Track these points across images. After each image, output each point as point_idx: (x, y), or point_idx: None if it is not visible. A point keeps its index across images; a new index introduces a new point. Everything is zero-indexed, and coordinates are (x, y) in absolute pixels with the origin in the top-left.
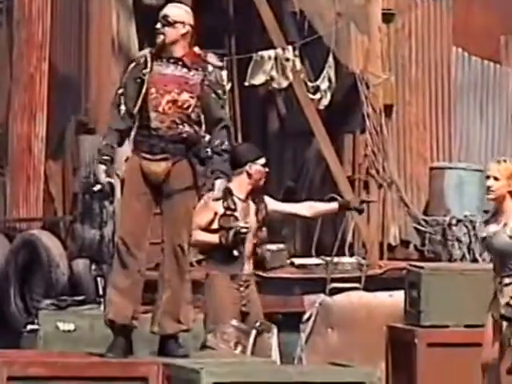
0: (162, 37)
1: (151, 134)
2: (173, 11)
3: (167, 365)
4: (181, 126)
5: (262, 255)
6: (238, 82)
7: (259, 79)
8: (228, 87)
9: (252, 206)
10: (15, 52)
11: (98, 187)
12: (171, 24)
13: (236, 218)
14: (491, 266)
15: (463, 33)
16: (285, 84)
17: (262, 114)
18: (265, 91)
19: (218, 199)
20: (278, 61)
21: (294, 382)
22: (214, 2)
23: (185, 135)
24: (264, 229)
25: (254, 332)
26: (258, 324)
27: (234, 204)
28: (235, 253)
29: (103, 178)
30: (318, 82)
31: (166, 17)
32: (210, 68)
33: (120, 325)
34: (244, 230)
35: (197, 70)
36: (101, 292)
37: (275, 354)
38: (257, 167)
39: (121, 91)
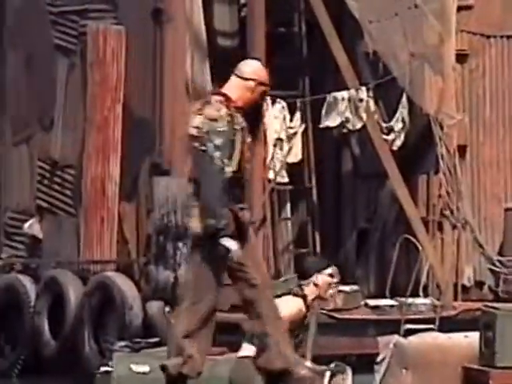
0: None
1: (244, 185)
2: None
3: None
4: None
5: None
6: (312, 122)
7: (334, 121)
8: (302, 129)
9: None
10: (89, 94)
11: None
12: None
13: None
14: None
15: None
16: (359, 125)
17: (336, 154)
18: (339, 132)
19: None
20: (352, 102)
21: None
22: (287, 43)
23: None
24: None
25: (328, 373)
26: (332, 365)
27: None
28: None
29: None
30: (391, 123)
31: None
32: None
33: (190, 378)
34: None
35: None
36: None
37: None
38: (324, 278)
39: (220, 154)
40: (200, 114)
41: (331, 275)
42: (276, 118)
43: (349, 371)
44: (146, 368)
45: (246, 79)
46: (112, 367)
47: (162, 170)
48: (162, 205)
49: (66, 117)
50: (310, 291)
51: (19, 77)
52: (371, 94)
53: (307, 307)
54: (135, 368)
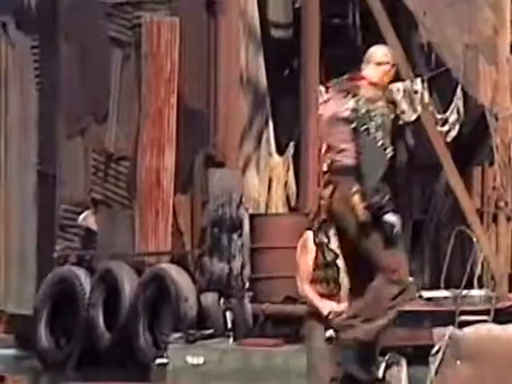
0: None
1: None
2: None
3: None
4: None
5: None
6: None
7: None
8: None
9: None
10: (143, 86)
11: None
12: None
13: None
14: None
15: None
16: (414, 117)
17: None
18: (394, 124)
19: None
20: (407, 93)
21: None
22: (341, 35)
23: None
24: None
25: (383, 365)
26: (387, 357)
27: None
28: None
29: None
30: (446, 115)
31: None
32: None
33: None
34: (331, 316)
35: None
36: (229, 325)
37: None
38: None
39: (381, 134)
40: (353, 96)
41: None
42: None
43: (403, 362)
44: (200, 359)
45: (381, 63)
46: (167, 359)
47: (216, 161)
48: (217, 196)
49: (121, 109)
50: None
51: (73, 70)
52: (426, 85)
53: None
54: (190, 360)
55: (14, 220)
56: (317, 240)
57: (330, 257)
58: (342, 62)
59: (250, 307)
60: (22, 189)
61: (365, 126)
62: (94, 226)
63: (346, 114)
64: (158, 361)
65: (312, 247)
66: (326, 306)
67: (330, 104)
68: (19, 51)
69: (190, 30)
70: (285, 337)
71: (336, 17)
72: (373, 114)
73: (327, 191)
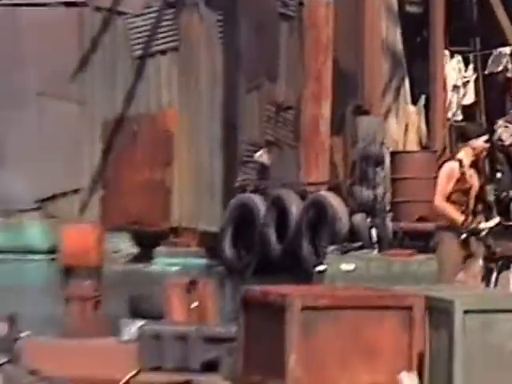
0: None
1: None
2: None
3: (426, 296)
4: None
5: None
6: (482, 72)
7: (496, 68)
8: (474, 77)
9: (474, 174)
10: (306, 52)
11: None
12: None
13: (468, 184)
14: None
15: None
16: None
17: (501, 99)
18: (503, 80)
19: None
20: None
21: None
22: (461, 10)
23: None
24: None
25: (496, 269)
26: (500, 262)
27: (464, 172)
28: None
29: None
30: None
31: None
32: None
33: None
34: (483, 233)
35: None
36: (374, 240)
37: None
38: (479, 143)
39: None
40: None
41: (486, 141)
42: (453, 69)
43: None
44: (352, 266)
45: None
46: (325, 266)
47: (363, 110)
48: (364, 138)
49: (288, 70)
50: (465, 153)
51: (250, 39)
52: None
53: (463, 173)
54: (344, 267)
55: (204, 159)
56: (461, 170)
57: (467, 185)
58: (463, 31)
59: (390, 225)
60: (211, 134)
61: None
62: (267, 162)
63: None
64: (318, 268)
65: (457, 175)
66: (460, 216)
67: None
68: (207, 24)
69: (341, 8)
70: (417, 248)
71: None
72: None
73: None
